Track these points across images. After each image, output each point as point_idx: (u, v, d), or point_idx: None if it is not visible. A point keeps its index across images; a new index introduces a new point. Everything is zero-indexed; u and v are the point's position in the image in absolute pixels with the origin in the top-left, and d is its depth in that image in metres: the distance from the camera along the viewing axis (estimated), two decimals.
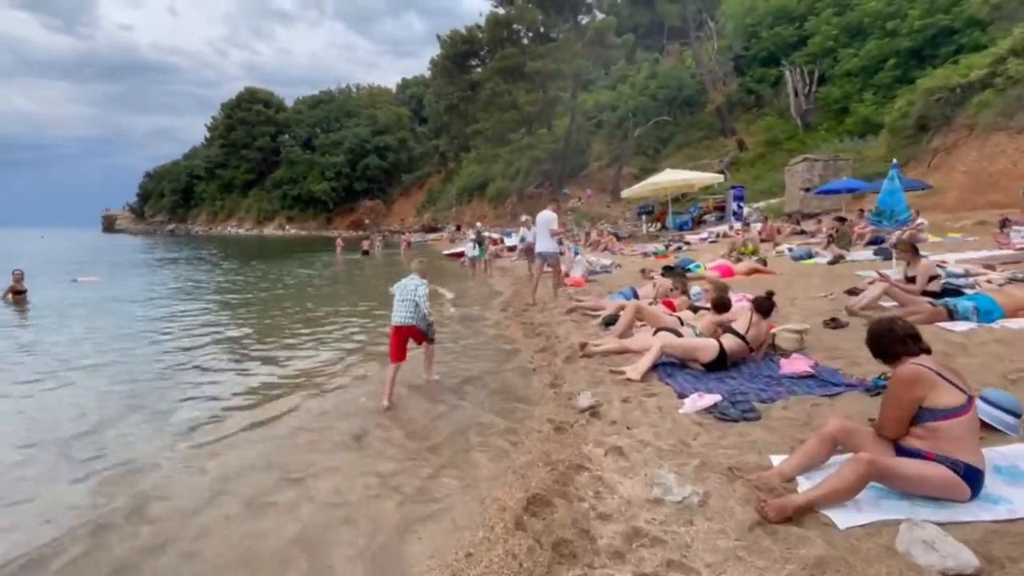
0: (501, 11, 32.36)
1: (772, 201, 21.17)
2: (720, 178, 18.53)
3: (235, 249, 37.33)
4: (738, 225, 16.68)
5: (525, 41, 33.84)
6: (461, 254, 17.82)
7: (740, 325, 3.83)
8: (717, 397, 3.09)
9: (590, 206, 33.18)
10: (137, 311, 9.52)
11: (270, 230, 75.94)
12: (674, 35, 36.09)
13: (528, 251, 12.64)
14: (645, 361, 3.67)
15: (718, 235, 15.91)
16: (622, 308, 5.08)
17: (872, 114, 24.68)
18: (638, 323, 4.84)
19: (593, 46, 28.74)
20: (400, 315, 4.49)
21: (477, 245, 15.20)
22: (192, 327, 7.95)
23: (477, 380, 4.85)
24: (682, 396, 3.25)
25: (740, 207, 19.88)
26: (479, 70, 36.08)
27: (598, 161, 37.85)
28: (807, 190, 17.79)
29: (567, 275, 9.07)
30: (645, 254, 12.95)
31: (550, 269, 7.95)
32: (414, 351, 4.75)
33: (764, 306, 3.89)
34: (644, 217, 22.43)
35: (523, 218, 14.50)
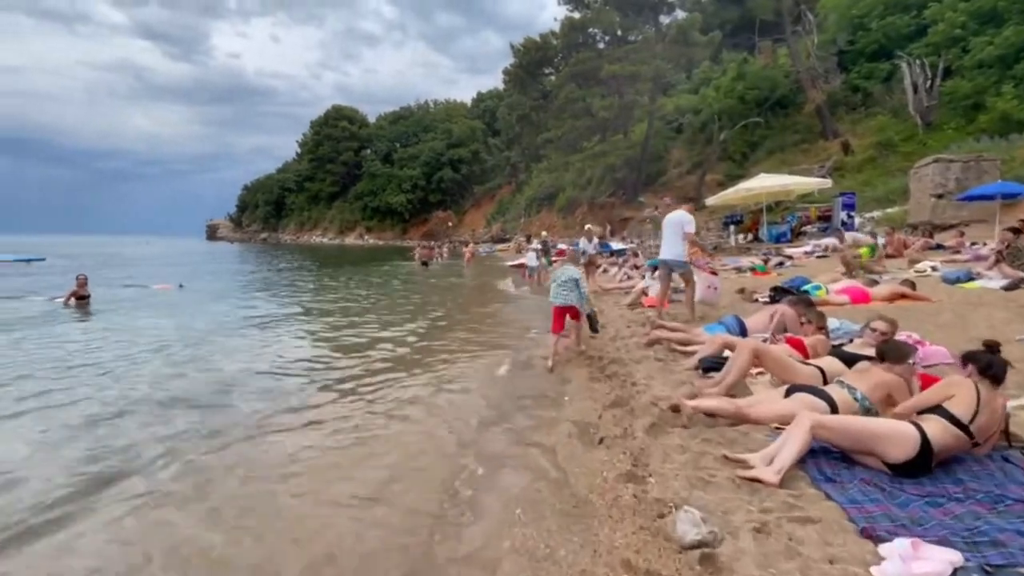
0: (576, 15, 31.19)
1: (890, 210, 18.16)
2: (827, 183, 16.01)
3: (318, 257, 38.89)
4: (852, 236, 14.26)
5: (601, 45, 32.43)
6: (523, 265, 16.86)
7: (960, 402, 2.25)
8: (953, 556, 1.60)
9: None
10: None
11: (351, 239, 79.59)
12: (767, 31, 33.12)
13: (589, 264, 12.11)
14: (787, 453, 2.23)
15: (826, 248, 13.55)
16: (728, 346, 3.61)
17: (1013, 110, 20.88)
18: (753, 371, 3.36)
19: (675, 46, 26.81)
20: (561, 297, 5.63)
21: (542, 255, 14.47)
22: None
23: (496, 465, 3.28)
24: (870, 534, 1.79)
25: (850, 217, 17.17)
26: (552, 78, 35.09)
27: (678, 168, 35.46)
28: (939, 196, 14.85)
29: (644, 293, 7.58)
30: (739, 269, 11.03)
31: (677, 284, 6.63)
32: None
33: (995, 369, 2.31)
34: (732, 227, 20.09)
35: (587, 227, 13.64)
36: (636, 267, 10.93)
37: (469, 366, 5.87)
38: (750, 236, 20.32)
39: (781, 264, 11.08)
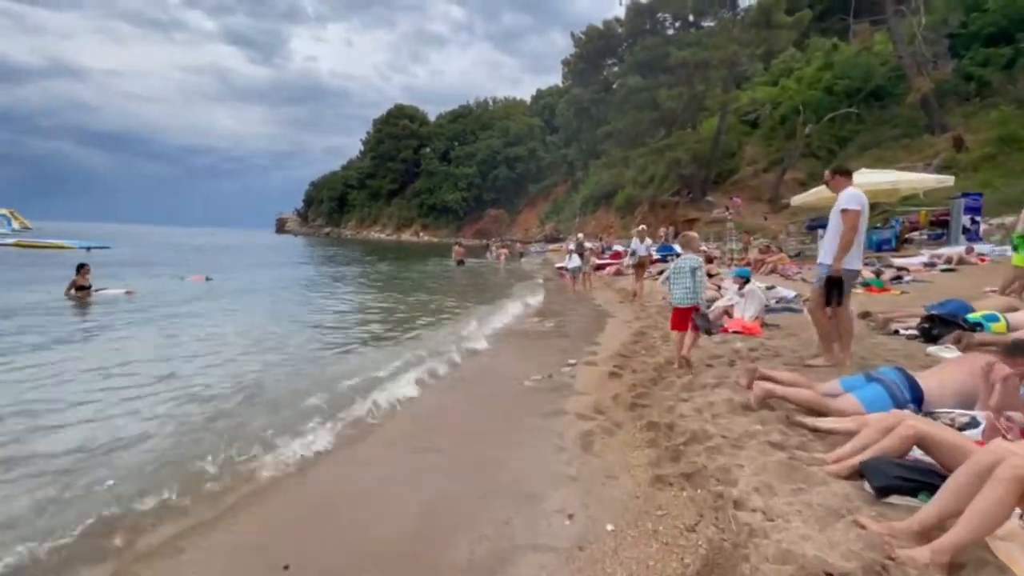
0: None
1: None
2: (949, 180, 13.22)
3: (369, 250, 38.98)
4: (983, 248, 11.62)
5: (670, 32, 29.95)
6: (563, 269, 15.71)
7: None
8: None
9: (741, 217, 28.12)
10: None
11: (407, 236, 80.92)
12: (863, 11, 29.40)
13: (639, 266, 11.35)
14: None
15: (950, 260, 11.03)
16: (916, 439, 1.90)
17: None
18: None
19: (754, 29, 24.05)
20: (682, 293, 4.71)
21: (577, 256, 14.04)
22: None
23: None
24: None
25: (975, 222, 14.27)
26: (615, 69, 32.93)
27: (752, 165, 32.37)
28: None
29: (727, 314, 5.78)
30: None
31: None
32: None
33: None
34: (820, 232, 17.35)
35: (639, 227, 12.88)
36: (710, 275, 9.03)
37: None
38: None
39: (899, 279, 8.77)
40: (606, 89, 35.14)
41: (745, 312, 5.68)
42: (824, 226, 18.37)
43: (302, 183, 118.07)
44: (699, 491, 2.22)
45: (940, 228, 16.41)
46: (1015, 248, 6.01)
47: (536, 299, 10.77)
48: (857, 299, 7.33)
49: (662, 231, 22.05)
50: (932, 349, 3.96)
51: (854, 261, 3.98)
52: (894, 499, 1.89)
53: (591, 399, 3.98)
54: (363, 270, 21.60)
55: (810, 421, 2.53)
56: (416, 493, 2.63)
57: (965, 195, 14.57)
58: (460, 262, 22.49)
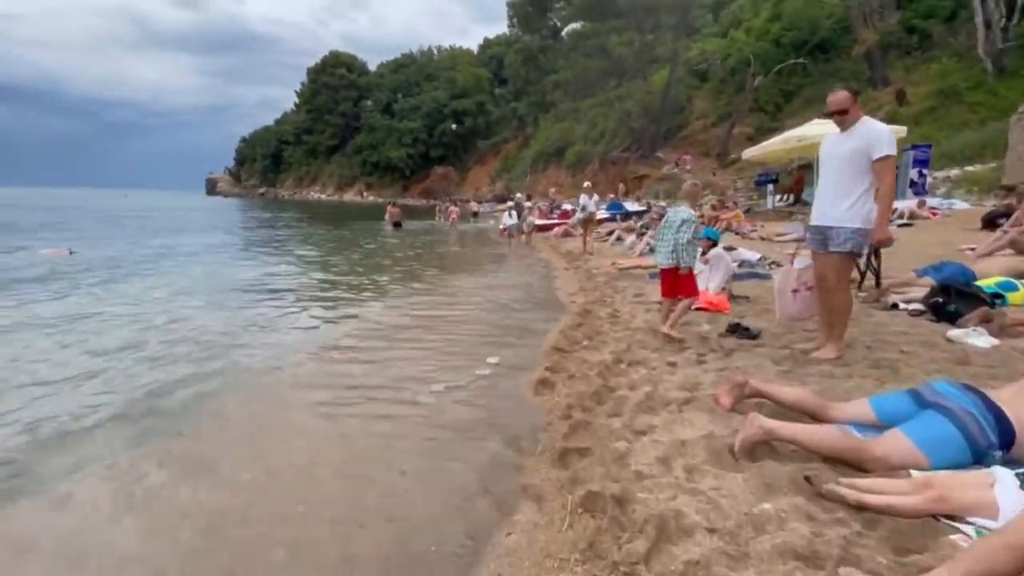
0: None
1: (972, 168, 15.00)
2: (902, 131, 12.73)
3: (302, 213, 36.00)
4: (933, 202, 11.33)
5: None
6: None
7: None
8: None
9: (691, 174, 27.64)
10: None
11: (350, 196, 76.76)
12: None
13: (587, 222, 11.28)
14: None
15: (902, 215, 10.65)
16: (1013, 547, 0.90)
17: None
18: None
19: None
20: (666, 252, 3.87)
21: (516, 214, 14.31)
22: None
23: None
24: None
25: (922, 175, 14.06)
26: (563, 13, 30.86)
27: (701, 119, 31.78)
28: None
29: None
30: (800, 240, 8.14)
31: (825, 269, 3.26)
32: None
33: None
34: (770, 187, 16.93)
35: (586, 184, 12.86)
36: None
37: None
38: (790, 198, 17.24)
39: None
40: (554, 35, 33.20)
41: (710, 283, 4.58)
42: (772, 181, 17.69)
43: (235, 140, 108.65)
44: None
45: None
46: None
47: (481, 270, 9.34)
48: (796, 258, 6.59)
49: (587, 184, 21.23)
50: (954, 333, 3.10)
51: (853, 217, 2.99)
52: None
53: (501, 438, 2.64)
54: (271, 234, 18.95)
55: (851, 494, 1.54)
56: None
57: (914, 147, 14.31)
58: (396, 224, 20.44)
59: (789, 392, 2.17)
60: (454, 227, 21.76)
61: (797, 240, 8.25)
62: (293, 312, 5.78)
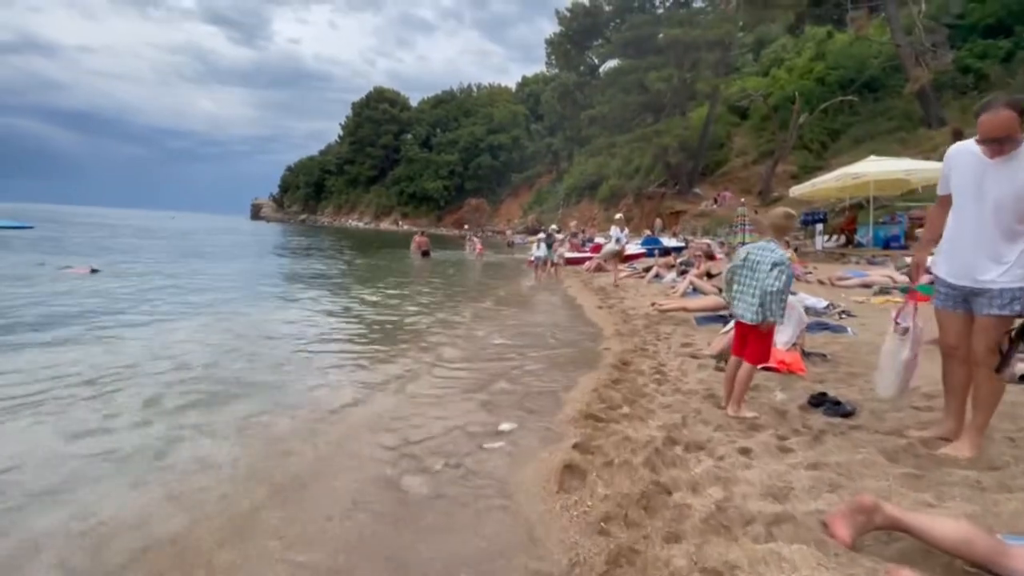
0: None
1: None
2: None
3: (338, 239, 36.58)
4: None
5: (660, 11, 28.12)
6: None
7: None
8: None
9: (729, 210, 26.73)
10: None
11: (386, 224, 78.78)
12: None
13: (616, 255, 11.20)
14: None
15: None
16: None
17: None
18: None
19: (750, 7, 22.35)
20: (742, 305, 3.03)
21: (545, 246, 14.13)
22: None
23: None
24: None
25: None
26: (602, 50, 31.03)
27: (741, 157, 30.98)
28: None
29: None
30: (866, 286, 7.23)
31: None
32: None
33: None
34: (819, 227, 15.88)
35: (617, 216, 12.66)
36: (710, 276, 7.34)
37: None
38: (842, 239, 16.13)
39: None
40: (592, 73, 33.39)
41: (779, 335, 3.67)
42: (821, 220, 16.66)
43: (282, 168, 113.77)
44: None
45: None
46: None
47: (497, 304, 8.63)
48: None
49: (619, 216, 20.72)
50: None
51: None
52: None
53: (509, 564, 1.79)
54: (299, 266, 18.04)
55: None
56: None
57: None
58: (425, 253, 20.21)
59: (947, 528, 1.45)
60: (479, 258, 21.38)
61: (864, 286, 7.33)
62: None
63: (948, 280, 2.41)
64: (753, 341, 2.94)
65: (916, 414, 2.64)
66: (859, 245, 14.43)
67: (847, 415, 2.70)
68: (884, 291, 6.72)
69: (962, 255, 2.32)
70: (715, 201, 28.18)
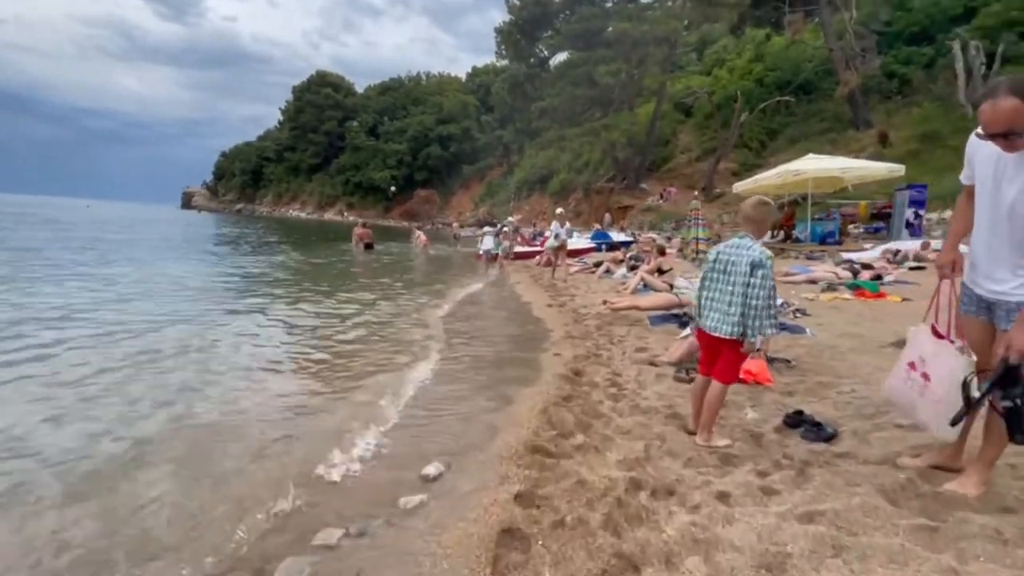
0: None
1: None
2: (900, 170, 12.30)
3: (273, 229, 34.33)
4: (936, 244, 10.72)
5: (609, 4, 28.13)
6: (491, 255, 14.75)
7: None
8: None
9: (675, 205, 27.24)
10: None
11: (330, 215, 75.80)
12: (799, 2, 29.21)
13: (558, 250, 11.13)
14: None
15: (907, 256, 9.94)
16: None
17: None
18: None
19: (696, 4, 22.66)
20: (715, 314, 2.53)
21: (491, 239, 13.91)
22: None
23: None
24: None
25: (919, 216, 13.58)
26: (552, 42, 30.76)
27: (686, 153, 31.70)
28: None
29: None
30: (812, 282, 7.22)
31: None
32: None
33: None
34: None
35: (558, 211, 12.64)
36: (661, 271, 7.09)
37: None
38: (780, 235, 16.59)
39: (879, 278, 7.22)
40: (542, 65, 33.12)
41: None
42: None
43: (217, 154, 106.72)
44: None
45: (880, 221, 15.77)
46: None
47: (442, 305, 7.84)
48: (852, 310, 5.57)
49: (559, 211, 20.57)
50: None
51: None
52: None
53: None
54: (205, 267, 14.34)
55: None
56: None
57: (909, 187, 13.81)
58: (368, 246, 19.09)
59: None
60: (425, 251, 20.56)
61: (811, 282, 7.31)
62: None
63: (966, 283, 2.06)
64: (726, 357, 2.47)
65: (903, 435, 2.34)
66: (797, 241, 14.84)
67: (828, 439, 2.37)
68: (831, 287, 6.71)
69: (978, 259, 1.98)
70: (661, 197, 28.66)
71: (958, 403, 1.86)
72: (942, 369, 1.96)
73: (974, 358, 1.92)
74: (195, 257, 15.27)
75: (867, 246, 13.11)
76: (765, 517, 1.73)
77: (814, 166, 12.01)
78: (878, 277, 7.22)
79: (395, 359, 4.58)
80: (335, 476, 2.44)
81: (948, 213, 15.18)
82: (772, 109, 28.44)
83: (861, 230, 16.19)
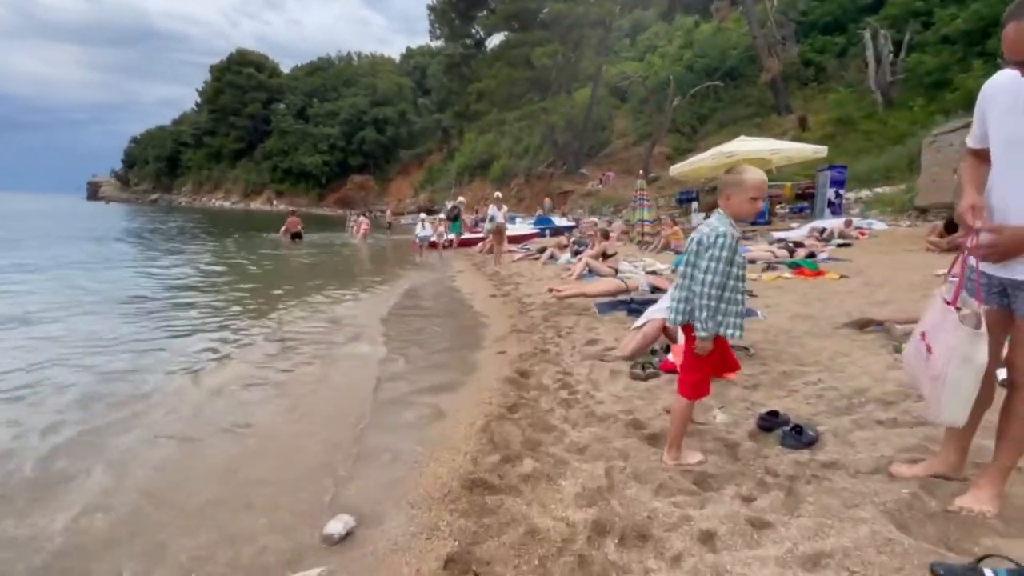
0: None
1: (881, 190, 15.50)
2: (823, 151, 12.77)
3: (190, 219, 31.48)
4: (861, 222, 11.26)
5: None
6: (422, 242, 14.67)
7: None
8: None
9: (613, 190, 27.53)
10: None
11: (257, 204, 71.26)
12: None
13: (496, 234, 11.07)
14: None
15: (832, 234, 10.33)
16: None
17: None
18: None
19: None
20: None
21: (428, 225, 14.12)
22: None
23: None
24: None
25: (839, 195, 14.25)
26: (487, 21, 29.94)
27: (623, 138, 32.09)
28: None
29: (665, 334, 3.37)
30: (751, 261, 7.22)
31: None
32: None
33: None
34: (694, 205, 16.63)
35: (496, 195, 12.57)
36: (605, 256, 6.83)
37: None
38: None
39: (813, 256, 7.33)
40: (478, 46, 32.24)
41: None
42: (695, 199, 17.60)
43: (127, 140, 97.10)
44: None
45: (804, 202, 16.47)
46: None
47: (376, 299, 7.10)
48: (797, 290, 5.52)
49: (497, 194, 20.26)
50: None
51: None
52: None
53: None
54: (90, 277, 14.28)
55: None
56: None
57: (831, 167, 14.44)
58: (296, 235, 17.66)
59: None
60: (364, 240, 19.40)
61: (750, 261, 7.31)
62: None
63: (988, 270, 1.67)
64: (687, 352, 2.09)
65: (885, 434, 2.10)
66: None
67: (811, 444, 2.08)
68: (771, 267, 6.72)
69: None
70: (600, 181, 28.86)
71: (957, 383, 1.59)
72: (939, 342, 1.67)
73: (981, 330, 1.60)
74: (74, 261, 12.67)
75: (794, 225, 13.60)
76: (763, 566, 1.38)
77: (745, 148, 12.23)
78: (811, 255, 7.36)
79: (302, 369, 3.91)
80: (209, 537, 1.83)
81: (865, 193, 16.10)
82: (702, 94, 29.24)
83: (787, 210, 16.85)
